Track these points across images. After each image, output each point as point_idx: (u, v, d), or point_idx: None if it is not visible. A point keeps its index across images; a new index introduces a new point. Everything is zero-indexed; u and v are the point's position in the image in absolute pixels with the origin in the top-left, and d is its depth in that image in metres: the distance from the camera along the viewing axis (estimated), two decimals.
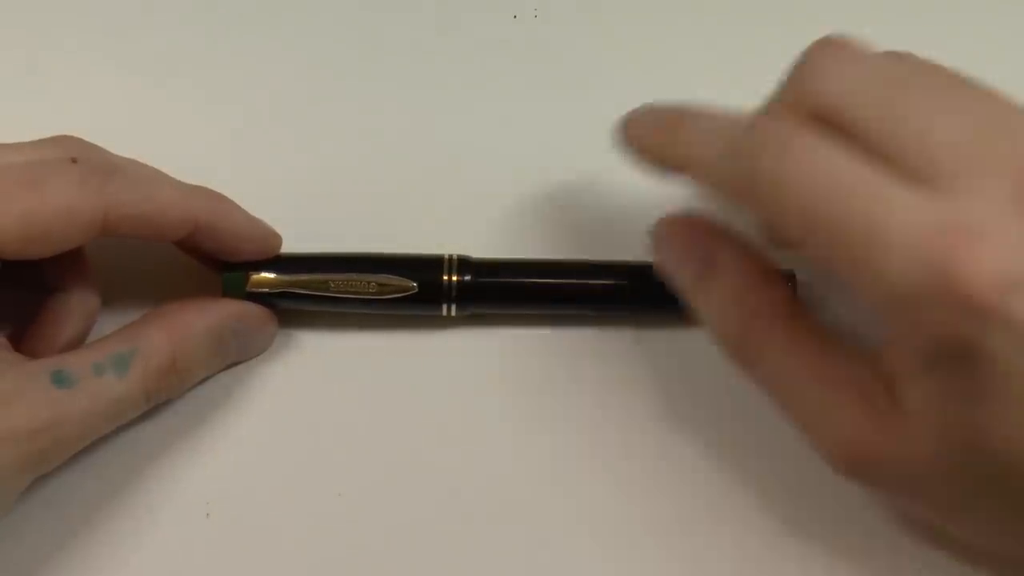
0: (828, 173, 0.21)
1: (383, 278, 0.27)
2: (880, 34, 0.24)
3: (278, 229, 0.27)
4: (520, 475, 0.27)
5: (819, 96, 0.22)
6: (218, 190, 0.26)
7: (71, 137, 0.25)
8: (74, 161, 0.23)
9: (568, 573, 0.26)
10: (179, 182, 0.26)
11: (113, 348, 0.24)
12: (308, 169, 0.31)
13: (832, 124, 0.22)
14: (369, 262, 0.27)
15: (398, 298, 0.27)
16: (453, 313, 0.27)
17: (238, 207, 0.26)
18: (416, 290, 0.27)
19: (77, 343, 0.26)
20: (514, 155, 0.32)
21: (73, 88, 0.32)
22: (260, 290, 0.27)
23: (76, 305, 0.26)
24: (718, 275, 0.24)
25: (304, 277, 0.27)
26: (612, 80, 0.33)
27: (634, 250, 0.28)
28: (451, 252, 0.28)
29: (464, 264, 0.27)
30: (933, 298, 0.19)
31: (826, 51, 0.23)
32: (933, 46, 0.23)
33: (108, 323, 0.26)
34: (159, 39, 0.33)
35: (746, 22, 0.35)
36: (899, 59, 0.23)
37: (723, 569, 0.26)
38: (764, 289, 0.24)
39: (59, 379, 0.23)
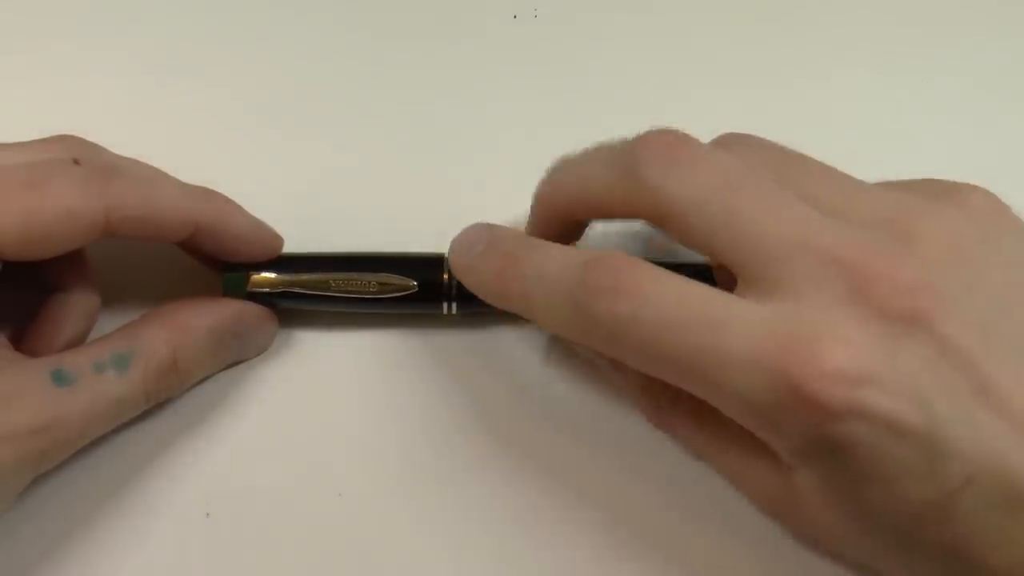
0: (664, 303, 0.21)
1: (383, 277, 0.27)
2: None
3: (279, 229, 0.27)
4: (521, 474, 0.27)
5: (655, 197, 0.22)
6: (219, 191, 0.26)
7: (73, 137, 0.25)
8: (76, 162, 0.23)
9: (568, 573, 0.26)
10: (181, 183, 0.26)
11: (113, 347, 0.24)
12: (308, 169, 0.31)
13: (666, 224, 0.22)
14: (369, 261, 0.27)
15: (398, 297, 0.27)
16: (454, 311, 0.27)
17: (240, 208, 0.26)
18: (416, 289, 0.27)
19: (77, 343, 0.26)
20: (514, 155, 0.31)
21: (74, 88, 0.32)
22: (260, 290, 0.27)
23: (76, 305, 0.26)
24: (621, 367, 0.25)
25: (304, 277, 0.27)
26: (612, 80, 0.33)
27: (634, 249, 0.28)
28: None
29: None
30: (785, 406, 0.20)
31: (659, 154, 0.23)
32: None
33: (108, 322, 0.26)
34: (160, 39, 0.33)
35: (746, 22, 0.35)
36: (729, 155, 0.23)
37: (724, 567, 0.26)
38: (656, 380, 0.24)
39: (59, 378, 0.23)
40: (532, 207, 0.27)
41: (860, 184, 0.23)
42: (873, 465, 0.20)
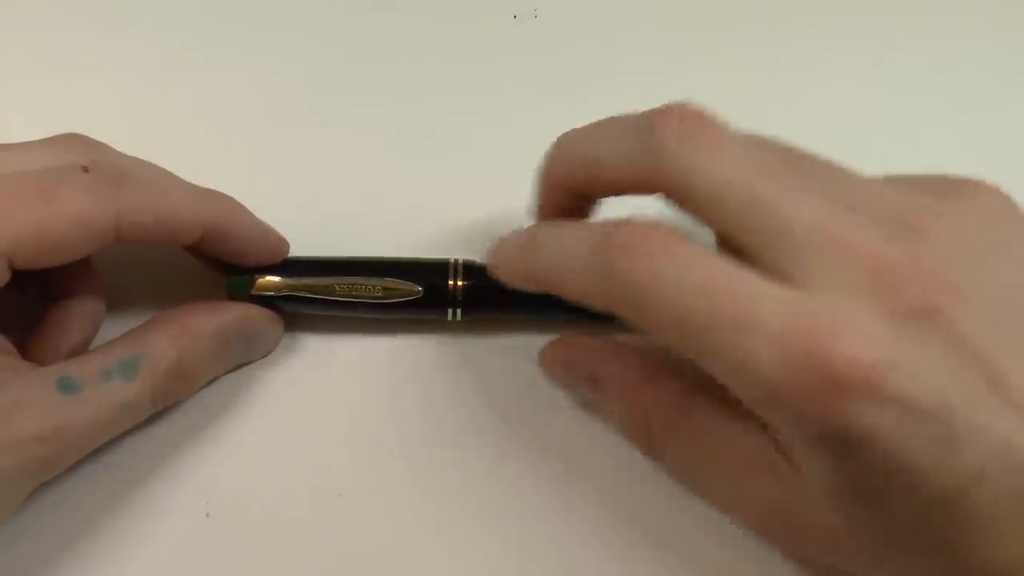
0: (692, 270, 0.21)
1: (389, 282, 0.27)
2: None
3: (283, 233, 0.27)
4: (522, 479, 0.27)
5: (677, 177, 0.22)
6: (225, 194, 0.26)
7: (79, 136, 0.25)
8: (85, 169, 0.23)
9: (568, 573, 0.26)
10: (189, 185, 0.26)
11: (120, 353, 0.24)
12: (312, 173, 0.31)
13: (687, 204, 0.22)
14: (374, 266, 0.27)
15: (403, 302, 0.27)
16: (458, 318, 0.28)
17: (247, 211, 0.26)
18: (421, 294, 0.27)
19: (82, 348, 0.26)
20: (514, 155, 0.31)
21: (75, 88, 0.32)
22: (265, 293, 0.27)
23: (81, 310, 0.26)
24: (604, 390, 0.26)
25: (309, 281, 0.27)
26: (612, 80, 0.33)
27: None
28: (456, 256, 0.28)
29: (469, 269, 0.27)
30: (807, 386, 0.19)
31: (682, 132, 0.22)
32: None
33: (113, 327, 0.26)
34: (163, 40, 0.33)
35: (746, 22, 0.35)
36: (756, 143, 0.23)
37: (729, 567, 0.26)
38: (652, 393, 0.25)
39: (65, 386, 0.22)
40: (537, 185, 0.26)
41: (870, 180, 0.23)
42: (889, 453, 0.19)
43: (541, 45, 0.34)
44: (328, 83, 0.33)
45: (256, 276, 0.27)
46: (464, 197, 0.31)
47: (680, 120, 0.22)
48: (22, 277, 0.23)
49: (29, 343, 0.25)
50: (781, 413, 0.21)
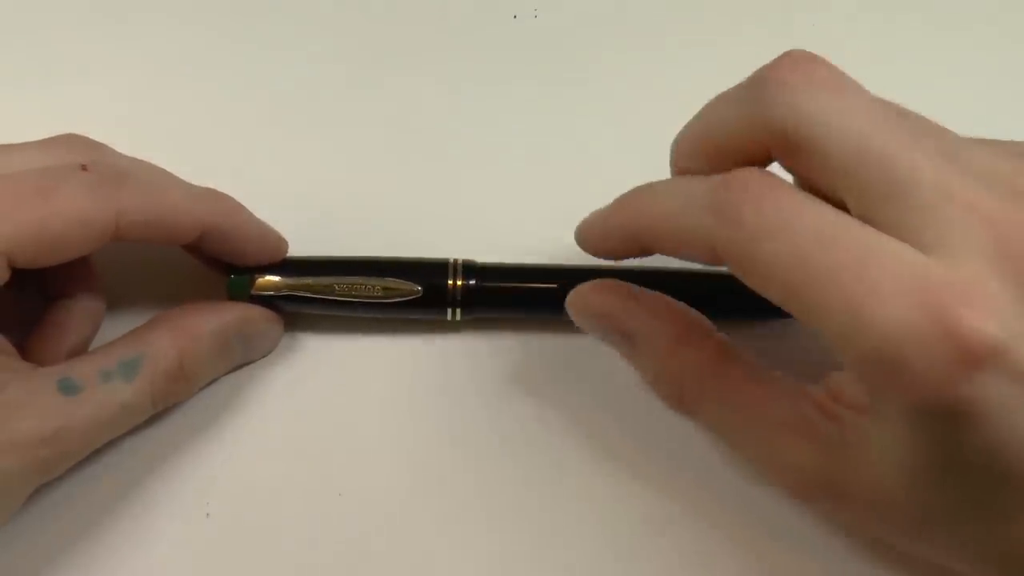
0: (813, 218, 0.20)
1: (389, 282, 0.27)
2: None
3: (284, 233, 0.27)
4: (522, 479, 0.27)
5: (787, 122, 0.21)
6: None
7: (78, 137, 0.25)
8: (84, 168, 0.23)
9: (568, 573, 0.26)
10: (188, 185, 0.26)
11: (120, 354, 0.24)
12: (310, 173, 0.31)
13: (797, 155, 0.21)
14: (374, 266, 0.27)
15: (403, 302, 0.27)
16: (458, 318, 0.28)
17: (246, 210, 0.26)
18: (421, 294, 0.27)
19: (83, 349, 0.26)
20: (515, 155, 0.32)
21: (75, 89, 0.32)
22: (265, 293, 0.27)
23: (81, 311, 0.26)
24: (637, 346, 0.25)
25: (309, 281, 0.27)
26: (612, 80, 0.33)
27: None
28: (456, 256, 0.28)
29: (469, 269, 0.27)
30: (931, 351, 0.18)
31: (795, 71, 0.21)
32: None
33: (113, 326, 0.26)
34: (163, 40, 0.33)
35: (746, 22, 0.35)
36: (868, 93, 0.22)
37: (729, 566, 0.26)
38: (689, 345, 0.24)
39: (66, 387, 0.22)
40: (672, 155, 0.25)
41: (973, 141, 0.22)
42: (999, 432, 0.19)
43: (541, 45, 0.34)
44: (328, 83, 0.33)
45: (256, 276, 0.27)
46: (464, 197, 0.31)
47: (792, 63, 0.21)
48: (21, 276, 0.23)
49: (29, 343, 0.25)
50: (888, 376, 0.19)
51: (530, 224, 0.30)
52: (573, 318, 0.26)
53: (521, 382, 0.28)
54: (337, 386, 0.28)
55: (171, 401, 0.26)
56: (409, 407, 0.28)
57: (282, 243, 0.27)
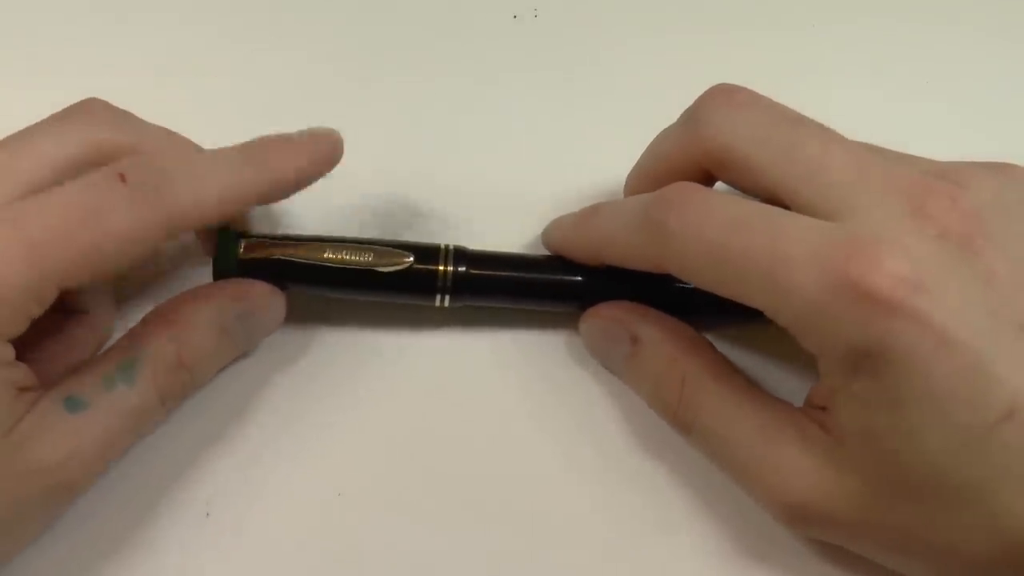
0: (727, 211, 0.22)
1: (379, 249, 0.26)
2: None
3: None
4: (518, 474, 0.27)
5: (715, 138, 0.24)
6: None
7: (96, 103, 0.25)
8: (123, 178, 0.22)
9: (566, 572, 0.26)
10: (225, 157, 0.24)
11: (117, 359, 0.23)
12: None
13: (728, 165, 0.24)
14: (366, 241, 0.27)
15: (394, 272, 0.26)
16: (447, 304, 0.27)
17: (287, 147, 0.25)
18: (412, 263, 0.26)
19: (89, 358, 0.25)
20: (514, 154, 0.32)
21: (76, 88, 0.31)
22: (254, 256, 0.26)
23: (96, 323, 0.26)
24: (643, 349, 0.26)
25: (300, 248, 0.26)
26: (612, 80, 0.33)
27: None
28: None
29: (460, 254, 0.27)
30: (840, 303, 0.20)
31: (717, 99, 0.24)
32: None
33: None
34: (163, 40, 0.33)
35: (746, 22, 0.35)
36: (783, 107, 0.24)
37: (729, 566, 0.26)
38: (690, 356, 0.25)
39: (72, 405, 0.22)
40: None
41: (913, 156, 0.25)
42: (919, 379, 0.20)
43: (541, 45, 0.34)
44: (327, 83, 0.33)
45: (242, 240, 0.26)
46: (464, 196, 0.31)
47: (717, 94, 0.25)
48: None
49: (39, 356, 0.24)
50: (820, 336, 0.21)
51: (530, 224, 0.30)
52: (583, 328, 0.28)
53: (521, 382, 0.28)
54: (331, 382, 0.28)
55: (180, 395, 0.25)
56: (408, 407, 0.28)
57: (333, 137, 0.26)
